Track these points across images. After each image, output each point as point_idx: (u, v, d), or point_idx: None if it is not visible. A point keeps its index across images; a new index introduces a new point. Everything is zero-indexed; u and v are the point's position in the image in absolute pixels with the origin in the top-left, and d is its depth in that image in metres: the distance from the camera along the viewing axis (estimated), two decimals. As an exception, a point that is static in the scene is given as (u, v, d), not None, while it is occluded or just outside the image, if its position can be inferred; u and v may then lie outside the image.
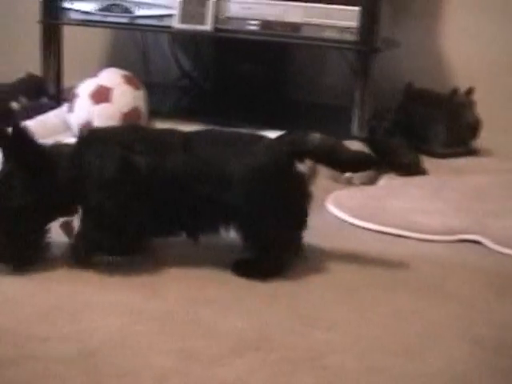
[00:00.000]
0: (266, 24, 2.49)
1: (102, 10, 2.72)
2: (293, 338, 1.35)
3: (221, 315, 1.42)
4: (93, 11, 2.73)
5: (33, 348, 1.27)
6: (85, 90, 2.41)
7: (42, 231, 1.56)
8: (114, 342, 1.30)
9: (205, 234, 1.61)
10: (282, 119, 2.67)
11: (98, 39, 3.38)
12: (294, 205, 1.63)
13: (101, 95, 2.37)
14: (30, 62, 3.03)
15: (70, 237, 1.62)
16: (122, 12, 2.69)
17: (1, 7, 3.59)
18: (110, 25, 2.77)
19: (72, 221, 1.59)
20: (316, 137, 1.64)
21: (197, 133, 1.65)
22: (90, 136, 1.60)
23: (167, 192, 1.54)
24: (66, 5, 2.78)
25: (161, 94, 3.04)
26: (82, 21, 2.77)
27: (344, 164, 1.69)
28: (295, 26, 2.48)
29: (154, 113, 2.56)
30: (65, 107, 2.56)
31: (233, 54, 3.03)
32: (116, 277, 1.56)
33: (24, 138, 1.51)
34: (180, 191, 1.54)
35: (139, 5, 2.64)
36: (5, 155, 1.52)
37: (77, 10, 2.77)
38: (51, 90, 2.90)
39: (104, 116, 2.34)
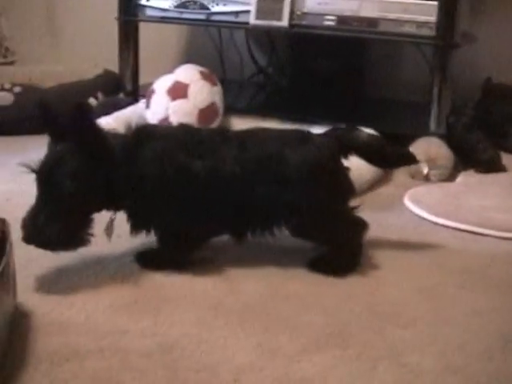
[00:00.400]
0: (342, 19, 2.47)
1: (178, 6, 2.73)
2: (371, 335, 1.34)
3: (299, 311, 1.41)
4: (169, 8, 2.74)
5: (113, 340, 1.28)
6: (162, 86, 2.43)
7: (87, 220, 1.51)
8: (192, 336, 1.31)
9: (254, 234, 1.60)
10: (358, 115, 2.65)
11: (174, 36, 3.41)
12: (346, 199, 1.63)
13: (178, 91, 2.38)
14: (108, 59, 3.07)
15: (109, 238, 1.62)
16: (198, 9, 2.69)
17: (79, 4, 3.65)
18: (187, 21, 2.78)
19: (113, 222, 1.59)
20: (363, 133, 1.66)
21: (248, 132, 1.64)
22: (145, 133, 1.57)
23: (224, 193, 1.54)
24: (143, 2, 2.79)
25: (236, 90, 3.04)
26: (159, 18, 2.79)
27: (387, 162, 1.71)
28: (372, 21, 2.45)
29: (230, 109, 2.57)
30: (142, 103, 2.58)
31: (308, 49, 3.01)
32: (194, 272, 1.57)
33: (87, 118, 1.44)
34: (236, 192, 1.54)
35: (215, 1, 2.64)
36: (56, 135, 1.48)
37: (153, 7, 2.78)
38: (128, 86, 2.93)
39: (181, 112, 2.35)
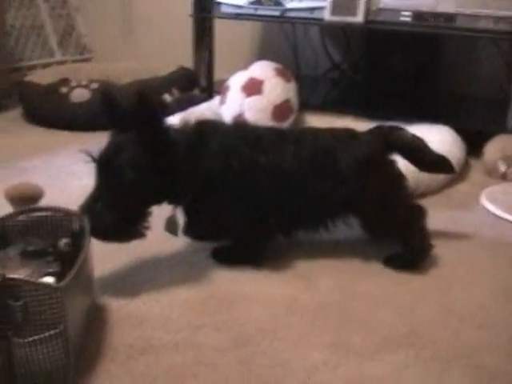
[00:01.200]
0: (418, 15, 2.44)
1: (253, 3, 2.73)
2: (444, 335, 1.33)
3: (373, 310, 1.41)
4: (244, 5, 2.75)
5: (188, 335, 1.30)
6: (236, 82, 2.44)
7: (144, 213, 1.49)
8: (266, 332, 1.31)
9: (306, 230, 1.63)
10: (433, 112, 2.62)
11: (248, 32, 3.42)
12: (398, 188, 1.65)
13: (252, 87, 2.39)
14: (183, 56, 3.09)
15: (175, 234, 1.62)
16: (273, 5, 2.69)
17: (154, 2, 3.69)
18: (261, 18, 2.78)
19: (175, 217, 1.59)
20: (408, 133, 1.66)
21: (302, 130, 1.72)
22: (208, 128, 1.57)
23: (283, 188, 1.55)
24: (218, -1, 2.81)
25: (310, 86, 3.04)
26: (234, 14, 2.80)
27: (426, 165, 1.70)
28: (448, 17, 2.41)
29: (304, 105, 2.57)
30: (216, 99, 2.60)
31: (383, 45, 2.99)
32: (270, 268, 1.57)
33: (149, 109, 1.40)
34: (294, 187, 1.56)
35: (290, -3, 2.64)
36: (118, 126, 1.47)
37: (228, 4, 2.79)
38: (203, 82, 2.96)
39: (255, 108, 2.36)
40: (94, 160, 1.44)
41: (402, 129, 1.68)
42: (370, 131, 1.68)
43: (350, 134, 1.64)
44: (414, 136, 1.67)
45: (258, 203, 1.54)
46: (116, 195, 1.41)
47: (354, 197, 1.57)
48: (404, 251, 1.61)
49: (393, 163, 1.64)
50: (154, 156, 1.42)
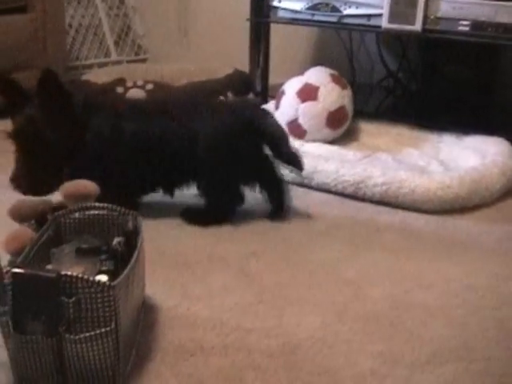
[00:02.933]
0: (477, 25, 2.42)
1: (309, 8, 2.73)
2: (497, 351, 1.30)
3: (424, 321, 1.39)
4: (301, 10, 2.74)
5: (237, 338, 1.30)
6: (292, 87, 2.43)
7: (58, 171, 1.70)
8: (315, 339, 1.31)
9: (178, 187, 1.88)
10: (490, 123, 2.59)
11: (304, 37, 3.41)
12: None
13: (308, 93, 2.38)
14: (238, 59, 3.10)
15: None
16: (329, 11, 2.69)
17: (211, 4, 3.70)
18: (318, 24, 2.78)
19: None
20: (274, 122, 1.88)
21: (174, 100, 1.94)
22: (91, 105, 1.81)
23: (150, 151, 1.79)
24: (275, 3, 2.81)
25: (365, 93, 3.02)
26: (290, 19, 2.79)
27: (281, 156, 1.86)
28: (507, 27, 2.38)
29: (358, 112, 2.55)
30: (271, 104, 2.59)
31: (440, 54, 2.96)
32: (321, 274, 1.57)
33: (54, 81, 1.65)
34: (160, 150, 1.79)
35: (347, 4, 2.63)
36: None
37: (285, 9, 2.79)
38: (258, 86, 2.96)
39: (310, 114, 2.35)
40: (10, 135, 1.68)
41: (271, 116, 1.89)
42: (238, 109, 1.89)
43: (214, 108, 1.87)
44: (279, 126, 1.87)
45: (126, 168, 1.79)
46: (34, 157, 1.69)
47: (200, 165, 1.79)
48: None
49: (249, 145, 1.83)
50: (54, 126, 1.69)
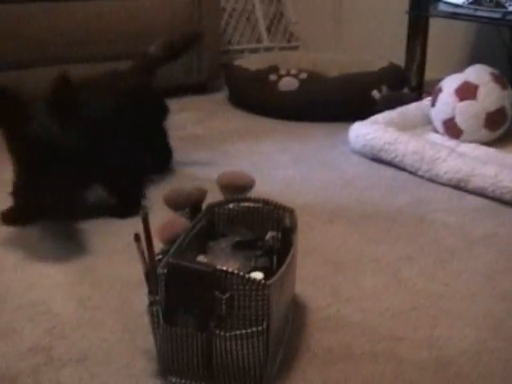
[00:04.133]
0: None
1: (472, 3, 2.64)
2: None
3: None
4: (462, 4, 2.65)
5: (388, 346, 1.25)
6: (450, 85, 2.35)
7: None
8: (469, 355, 1.24)
9: None
10: None
11: (462, 33, 3.30)
12: None
13: (466, 92, 2.29)
14: (393, 52, 3.04)
15: None
16: (493, 6, 2.58)
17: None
18: (479, 19, 2.68)
19: None
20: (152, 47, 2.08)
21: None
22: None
23: None
24: (436, -4, 2.74)
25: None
26: (451, 13, 2.71)
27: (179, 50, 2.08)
28: None
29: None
30: (426, 100, 2.52)
31: None
32: (476, 284, 1.49)
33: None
34: None
35: (513, 0, 2.52)
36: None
37: (446, 2, 2.71)
38: (413, 81, 2.89)
39: (467, 114, 2.26)
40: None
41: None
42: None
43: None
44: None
45: None
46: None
47: None
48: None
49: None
50: None
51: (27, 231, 1.69)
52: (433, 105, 2.37)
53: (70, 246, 1.63)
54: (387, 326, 1.31)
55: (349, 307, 1.37)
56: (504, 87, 2.34)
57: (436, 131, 2.38)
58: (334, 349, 1.24)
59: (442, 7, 2.75)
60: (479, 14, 2.63)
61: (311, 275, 1.49)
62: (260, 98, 2.81)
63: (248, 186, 1.39)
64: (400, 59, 2.95)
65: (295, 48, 4.00)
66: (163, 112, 2.10)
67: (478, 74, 2.36)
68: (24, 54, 2.65)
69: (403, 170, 2.16)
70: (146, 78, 2.05)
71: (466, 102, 2.28)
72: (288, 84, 2.74)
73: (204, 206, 1.35)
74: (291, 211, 1.32)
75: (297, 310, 1.35)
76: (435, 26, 2.92)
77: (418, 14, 2.83)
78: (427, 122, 2.44)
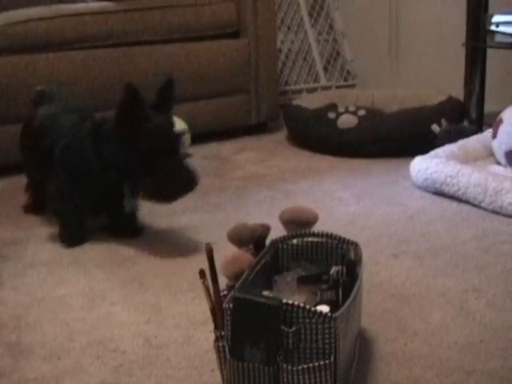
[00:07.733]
0: None
1: (529, 34, 2.62)
2: None
3: None
4: (519, 34, 2.64)
5: (457, 380, 1.23)
6: (510, 115, 2.33)
7: None
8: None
9: None
10: None
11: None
12: None
13: (528, 123, 2.27)
14: (451, 85, 3.03)
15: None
16: (551, 36, 2.57)
17: (423, 29, 3.65)
18: (537, 49, 2.66)
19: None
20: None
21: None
22: None
23: None
24: (492, 28, 2.72)
25: None
26: (509, 44, 2.69)
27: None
28: None
29: None
30: (488, 132, 2.50)
31: None
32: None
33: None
34: None
35: None
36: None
37: (503, 33, 2.69)
38: (473, 113, 2.86)
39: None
40: None
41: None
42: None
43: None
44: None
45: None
46: None
47: None
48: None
49: None
50: None
51: (94, 273, 1.72)
52: (494, 136, 2.35)
53: (135, 285, 1.65)
54: (456, 360, 1.29)
55: (416, 341, 1.35)
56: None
57: (498, 163, 2.35)
58: (402, 383, 1.22)
59: (499, 38, 2.73)
60: (536, 43, 2.61)
61: (378, 309, 1.48)
62: (319, 137, 2.82)
63: (311, 220, 1.39)
64: (459, 92, 2.93)
65: (352, 86, 4.02)
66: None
67: (539, 104, 2.34)
68: (86, 99, 2.72)
69: (466, 202, 2.14)
70: None
71: (528, 133, 2.26)
72: (347, 121, 2.74)
73: (267, 241, 1.36)
74: (355, 245, 1.32)
75: (364, 344, 1.34)
76: (493, 57, 2.91)
77: (474, 45, 2.82)
78: (489, 154, 2.42)
